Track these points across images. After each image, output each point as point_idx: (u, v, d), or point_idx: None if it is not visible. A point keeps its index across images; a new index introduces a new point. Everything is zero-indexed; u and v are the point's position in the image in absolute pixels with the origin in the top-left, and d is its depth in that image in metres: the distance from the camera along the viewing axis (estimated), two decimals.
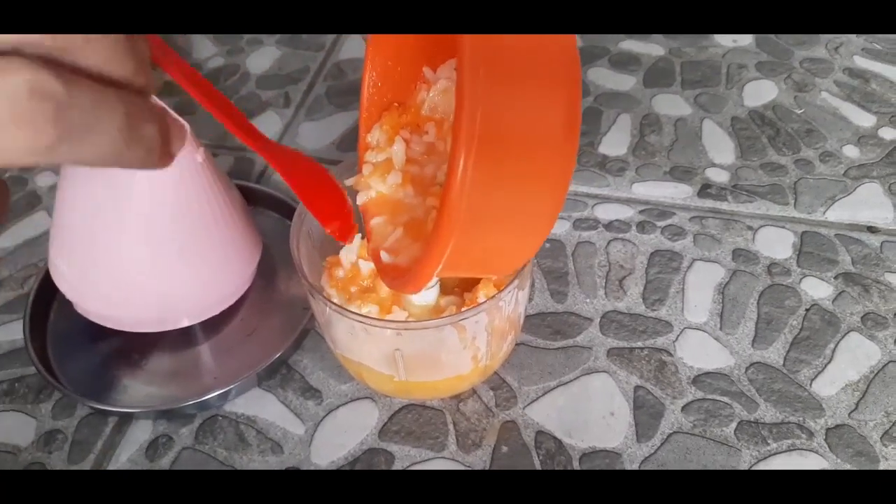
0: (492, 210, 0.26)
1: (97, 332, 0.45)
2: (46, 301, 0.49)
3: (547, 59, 0.26)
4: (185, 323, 0.45)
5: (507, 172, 0.25)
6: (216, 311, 0.46)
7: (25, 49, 0.17)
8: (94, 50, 0.18)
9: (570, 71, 0.26)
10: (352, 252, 0.41)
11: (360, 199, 0.37)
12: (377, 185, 0.36)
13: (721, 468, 0.40)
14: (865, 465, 0.40)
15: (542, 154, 0.26)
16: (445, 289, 0.41)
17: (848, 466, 0.40)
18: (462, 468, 0.41)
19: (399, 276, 0.32)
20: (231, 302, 0.46)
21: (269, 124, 0.63)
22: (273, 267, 0.50)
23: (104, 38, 0.18)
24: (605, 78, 0.65)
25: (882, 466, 0.40)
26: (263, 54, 0.71)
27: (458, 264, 0.29)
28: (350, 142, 0.61)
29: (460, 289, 0.41)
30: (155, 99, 0.22)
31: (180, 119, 0.22)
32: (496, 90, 0.24)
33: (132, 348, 0.46)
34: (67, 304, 0.45)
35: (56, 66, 0.17)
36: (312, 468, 0.41)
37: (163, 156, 0.21)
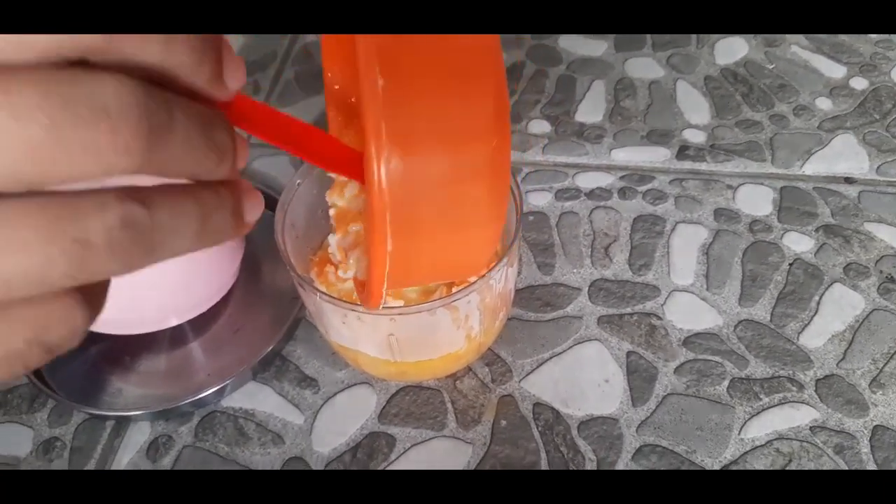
0: (426, 212, 0.25)
1: (86, 337, 0.44)
2: None
3: (461, 57, 0.24)
4: (173, 322, 0.45)
5: (433, 172, 0.24)
6: (204, 309, 0.45)
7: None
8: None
9: (489, 65, 0.25)
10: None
11: (332, 213, 0.37)
12: (336, 198, 0.36)
13: (716, 426, 0.41)
14: (856, 413, 0.41)
15: (468, 149, 0.24)
16: None
17: (839, 416, 0.41)
18: (463, 444, 0.41)
19: (361, 291, 0.32)
20: (218, 298, 0.46)
21: None
22: (257, 259, 0.50)
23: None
24: (576, 44, 0.65)
25: (871, 413, 0.41)
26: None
27: (409, 275, 0.28)
28: (324, 127, 0.61)
29: None
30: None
31: (255, 190, 0.22)
32: (402, 92, 0.23)
33: (123, 351, 0.46)
34: None
35: (139, 196, 0.18)
36: (315, 457, 0.41)
37: (237, 228, 0.21)
